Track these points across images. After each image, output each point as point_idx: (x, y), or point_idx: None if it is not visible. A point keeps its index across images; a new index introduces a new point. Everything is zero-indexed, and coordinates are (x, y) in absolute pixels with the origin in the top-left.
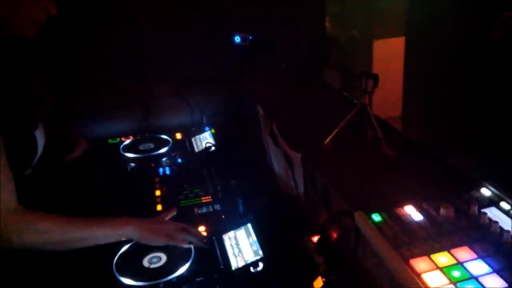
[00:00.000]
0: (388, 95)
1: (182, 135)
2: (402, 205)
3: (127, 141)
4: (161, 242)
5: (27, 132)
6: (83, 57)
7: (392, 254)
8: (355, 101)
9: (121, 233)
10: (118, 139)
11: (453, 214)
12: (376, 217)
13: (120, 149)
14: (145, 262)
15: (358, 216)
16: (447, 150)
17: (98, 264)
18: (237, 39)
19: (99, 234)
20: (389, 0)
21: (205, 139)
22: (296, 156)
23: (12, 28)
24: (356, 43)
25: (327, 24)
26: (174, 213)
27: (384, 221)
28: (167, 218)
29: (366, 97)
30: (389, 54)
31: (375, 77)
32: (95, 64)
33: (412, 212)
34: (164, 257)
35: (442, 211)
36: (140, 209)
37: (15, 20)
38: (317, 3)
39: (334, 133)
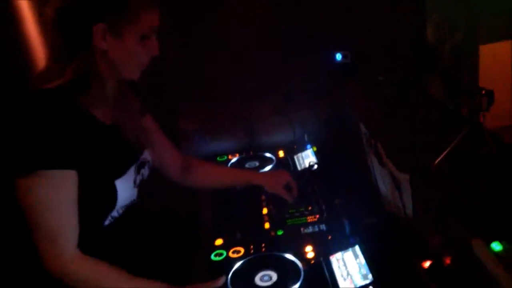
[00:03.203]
0: (496, 103)
1: (285, 153)
2: None
3: (234, 159)
4: None
5: (106, 179)
6: (190, 79)
7: None
8: (462, 116)
9: None
10: (226, 157)
11: None
12: (496, 246)
13: (228, 166)
14: (257, 280)
15: (476, 244)
16: None
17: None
18: (338, 56)
19: None
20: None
21: (308, 157)
22: (404, 178)
23: (124, 73)
24: (460, 49)
25: (428, 31)
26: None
27: (505, 251)
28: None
29: (481, 116)
30: (496, 59)
31: (490, 94)
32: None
33: None
34: (274, 276)
35: None
36: (249, 226)
37: (126, 65)
38: (416, 10)
39: (445, 153)
